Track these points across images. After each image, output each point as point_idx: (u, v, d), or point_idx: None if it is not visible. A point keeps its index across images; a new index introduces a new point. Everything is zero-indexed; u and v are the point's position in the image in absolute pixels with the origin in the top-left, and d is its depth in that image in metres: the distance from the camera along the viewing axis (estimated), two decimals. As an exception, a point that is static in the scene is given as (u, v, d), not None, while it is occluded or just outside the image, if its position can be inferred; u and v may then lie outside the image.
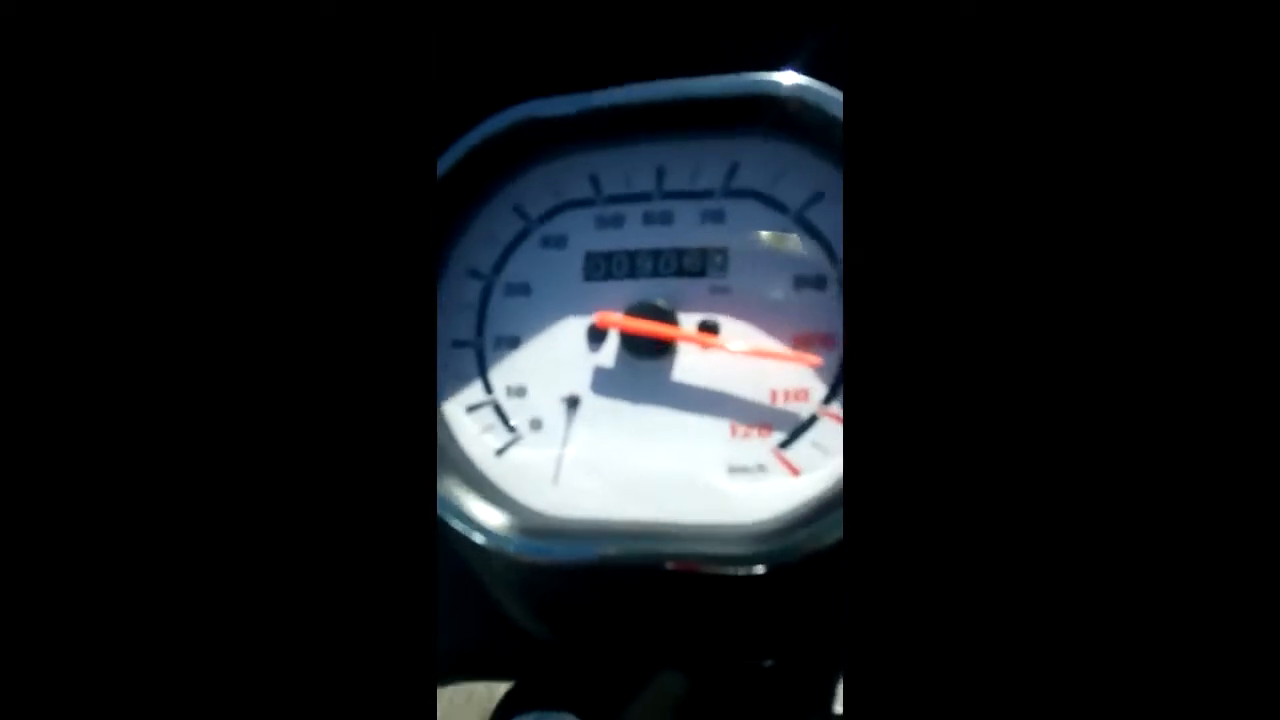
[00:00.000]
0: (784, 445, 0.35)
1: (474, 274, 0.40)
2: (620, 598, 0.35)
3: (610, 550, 0.34)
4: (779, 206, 0.36)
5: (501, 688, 0.36)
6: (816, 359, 0.35)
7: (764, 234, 0.35)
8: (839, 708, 0.31)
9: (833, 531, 0.32)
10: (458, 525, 0.36)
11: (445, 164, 0.39)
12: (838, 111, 0.34)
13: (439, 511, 0.36)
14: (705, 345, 0.36)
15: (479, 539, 0.35)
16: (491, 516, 0.36)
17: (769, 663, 0.35)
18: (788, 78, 0.35)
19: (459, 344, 0.39)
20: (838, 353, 0.35)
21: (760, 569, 0.33)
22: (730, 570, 0.33)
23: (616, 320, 0.37)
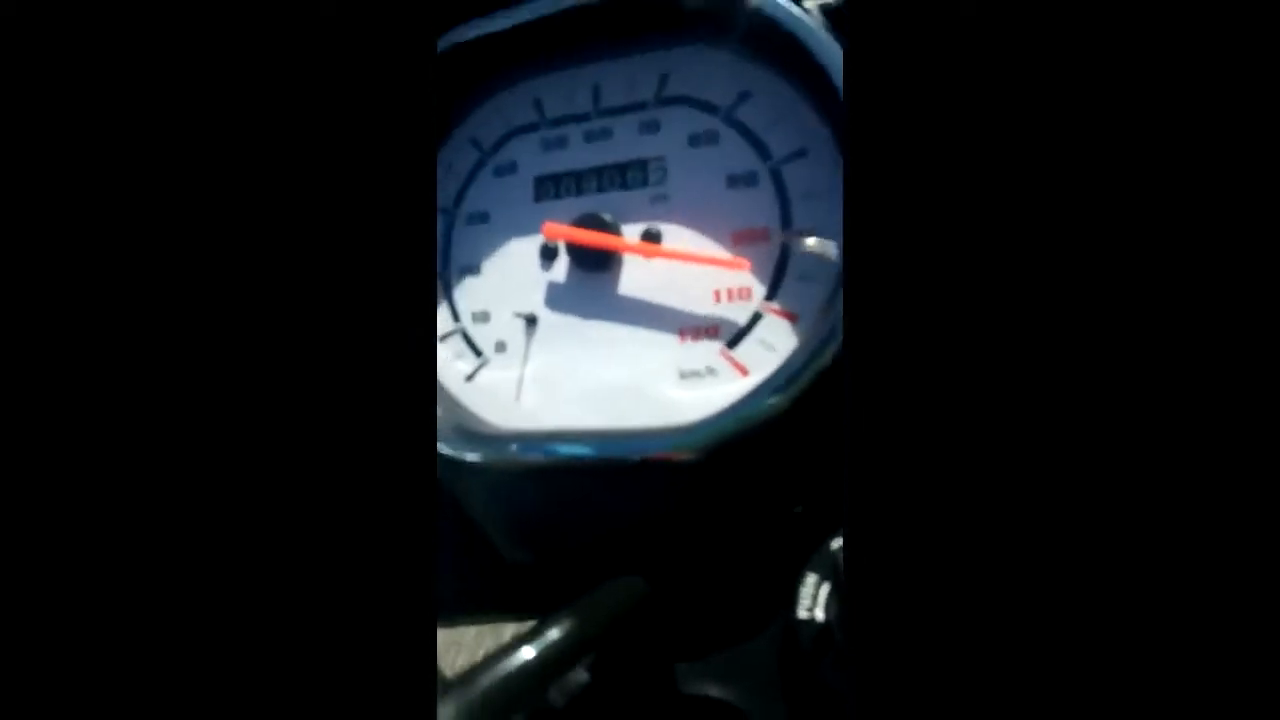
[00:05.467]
0: (731, 345, 0.35)
1: (438, 210, 0.41)
2: (577, 500, 0.36)
3: (558, 451, 0.35)
4: (709, 108, 0.36)
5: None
6: (746, 262, 0.35)
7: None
8: (802, 612, 0.31)
9: (770, 403, 0.32)
10: (441, 448, 0.38)
11: None
12: (760, 8, 0.34)
13: None
14: (646, 253, 0.36)
15: (448, 451, 0.37)
16: (461, 433, 0.38)
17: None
18: None
19: None
20: (775, 246, 0.35)
21: (702, 452, 0.33)
22: (676, 457, 0.33)
23: (562, 230, 0.37)
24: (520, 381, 0.39)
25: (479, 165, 0.41)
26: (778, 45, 0.34)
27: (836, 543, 0.30)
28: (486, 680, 0.27)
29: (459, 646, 0.38)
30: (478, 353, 0.40)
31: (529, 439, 0.37)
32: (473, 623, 0.39)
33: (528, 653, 0.28)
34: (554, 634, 0.30)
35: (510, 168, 0.40)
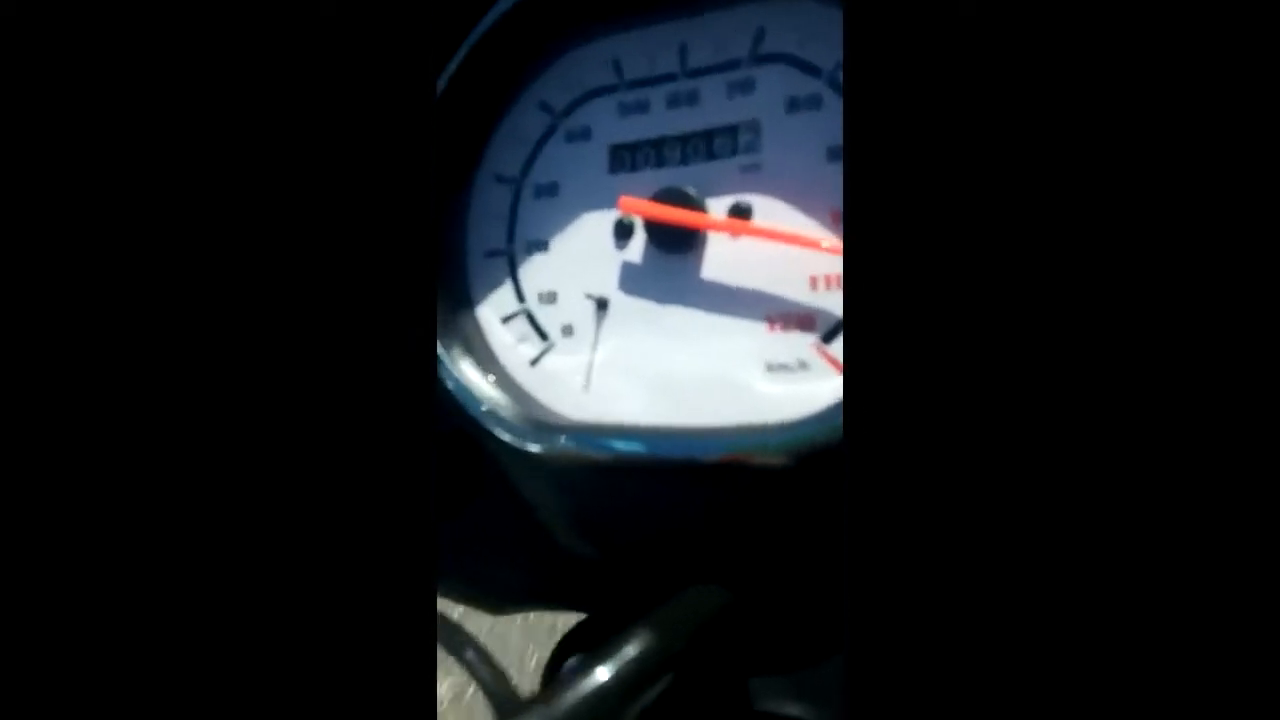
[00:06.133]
0: (827, 339, 0.31)
1: (501, 179, 0.38)
2: (649, 499, 0.33)
3: (634, 448, 0.32)
4: (811, 69, 0.32)
5: (558, 616, 0.35)
6: None
7: None
8: None
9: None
10: (502, 435, 0.35)
11: (459, 58, 0.37)
12: None
13: (486, 424, 0.35)
14: (734, 231, 0.33)
15: (509, 440, 0.34)
16: (527, 423, 0.35)
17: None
18: None
19: (491, 253, 0.38)
20: (881, 229, 0.31)
21: (796, 458, 0.29)
22: (762, 460, 0.30)
23: (640, 205, 0.34)
24: (590, 369, 0.35)
25: (550, 131, 0.37)
26: None
27: None
28: (564, 703, 0.25)
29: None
30: (543, 336, 0.36)
31: (598, 431, 0.34)
32: (531, 610, 0.37)
33: (604, 673, 0.26)
34: (632, 651, 0.27)
35: (584, 134, 0.36)
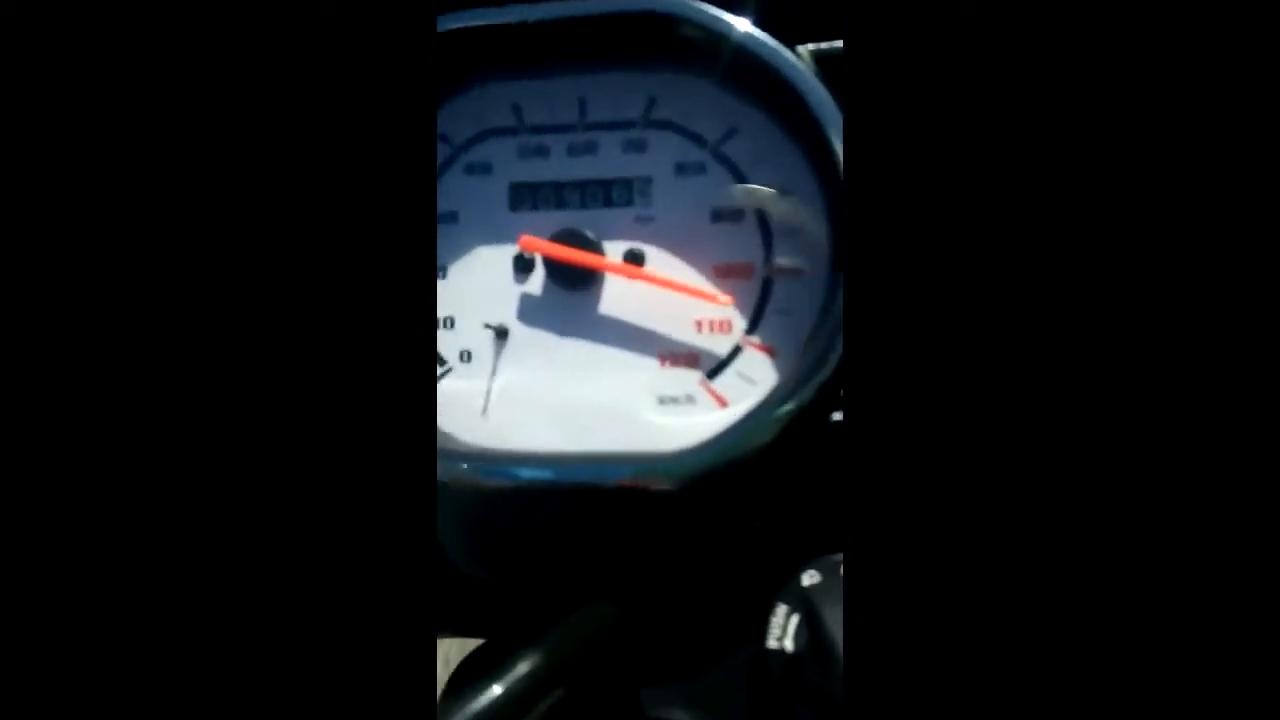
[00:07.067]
0: (711, 376, 0.36)
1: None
2: (545, 522, 0.37)
3: (534, 475, 0.35)
4: (697, 139, 0.37)
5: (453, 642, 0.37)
6: (731, 299, 0.36)
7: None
8: (771, 642, 0.31)
9: (754, 438, 0.33)
10: None
11: None
12: (747, 44, 0.35)
13: None
14: (628, 275, 0.37)
15: None
16: None
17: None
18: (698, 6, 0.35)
19: None
20: (756, 282, 0.36)
21: (684, 483, 0.33)
22: (654, 485, 0.34)
23: (541, 244, 0.37)
24: (488, 395, 0.38)
25: (448, 161, 0.39)
26: (766, 85, 0.35)
27: (807, 575, 0.32)
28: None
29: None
30: (440, 360, 0.39)
31: (498, 458, 0.37)
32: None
33: (496, 690, 0.28)
34: (524, 668, 0.29)
35: (484, 169, 0.39)
